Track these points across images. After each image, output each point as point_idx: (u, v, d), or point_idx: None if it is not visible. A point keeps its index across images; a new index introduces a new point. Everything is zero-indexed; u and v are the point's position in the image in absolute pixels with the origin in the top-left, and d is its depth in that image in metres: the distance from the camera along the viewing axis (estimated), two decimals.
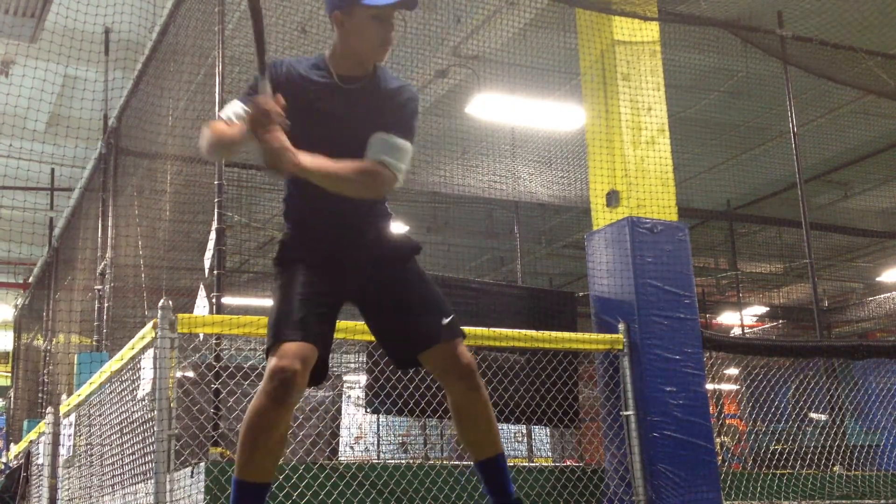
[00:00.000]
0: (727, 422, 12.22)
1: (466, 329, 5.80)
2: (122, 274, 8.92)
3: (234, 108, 3.01)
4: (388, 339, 3.27)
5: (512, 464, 9.17)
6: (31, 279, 15.19)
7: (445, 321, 3.15)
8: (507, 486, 3.21)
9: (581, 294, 9.02)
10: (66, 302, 11.16)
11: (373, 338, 3.45)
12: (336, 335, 5.29)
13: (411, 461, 8.85)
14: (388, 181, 3.01)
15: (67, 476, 7.44)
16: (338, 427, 7.44)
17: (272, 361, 2.87)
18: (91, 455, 6.97)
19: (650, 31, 7.39)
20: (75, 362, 7.84)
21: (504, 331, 6.12)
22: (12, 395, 15.20)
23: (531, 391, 6.80)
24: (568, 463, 9.22)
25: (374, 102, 3.11)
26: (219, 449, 5.39)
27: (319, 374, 3.01)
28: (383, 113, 3.09)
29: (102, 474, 6.50)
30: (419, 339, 3.15)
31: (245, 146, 3.05)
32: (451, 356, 3.13)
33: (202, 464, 5.17)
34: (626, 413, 6.39)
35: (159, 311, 4.92)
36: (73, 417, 7.22)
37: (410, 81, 3.30)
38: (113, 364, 5.97)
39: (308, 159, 2.86)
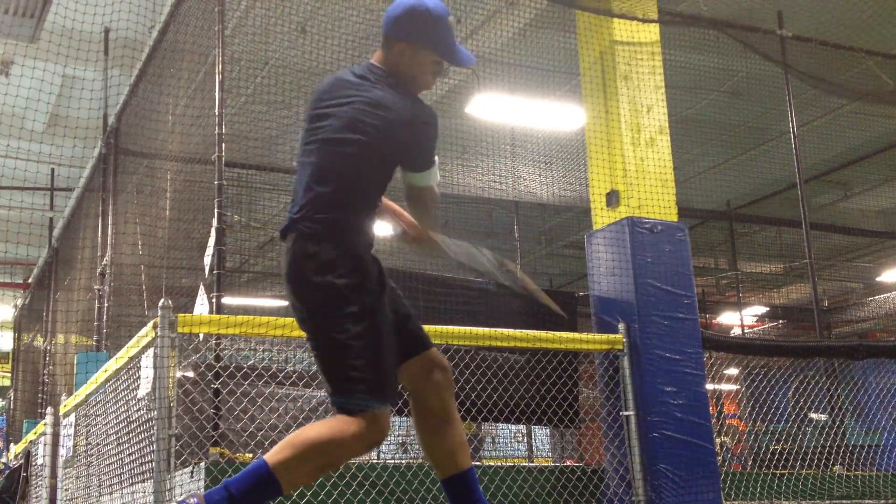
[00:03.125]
0: (727, 422, 12.22)
1: (467, 329, 5.84)
2: (121, 274, 8.92)
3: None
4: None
5: (512, 464, 9.17)
6: (31, 279, 15.20)
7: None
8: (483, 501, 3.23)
9: (581, 294, 9.01)
10: (65, 302, 11.16)
11: None
12: None
13: (411, 461, 8.85)
14: None
15: (67, 476, 7.44)
16: None
17: (378, 419, 2.86)
18: (91, 455, 6.96)
19: (650, 31, 7.38)
20: (75, 362, 7.84)
21: (504, 331, 6.11)
22: (12, 395, 15.20)
23: (531, 391, 6.80)
24: (568, 463, 9.22)
25: None
26: (219, 449, 5.39)
27: None
28: None
29: (102, 474, 6.50)
30: (419, 341, 3.22)
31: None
32: (437, 360, 3.21)
33: (202, 464, 5.17)
34: (626, 413, 6.38)
35: (159, 311, 4.92)
36: (72, 417, 7.22)
37: None
38: (113, 364, 5.96)
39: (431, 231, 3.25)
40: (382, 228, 3.32)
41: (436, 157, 3.12)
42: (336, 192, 2.99)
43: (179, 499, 2.99)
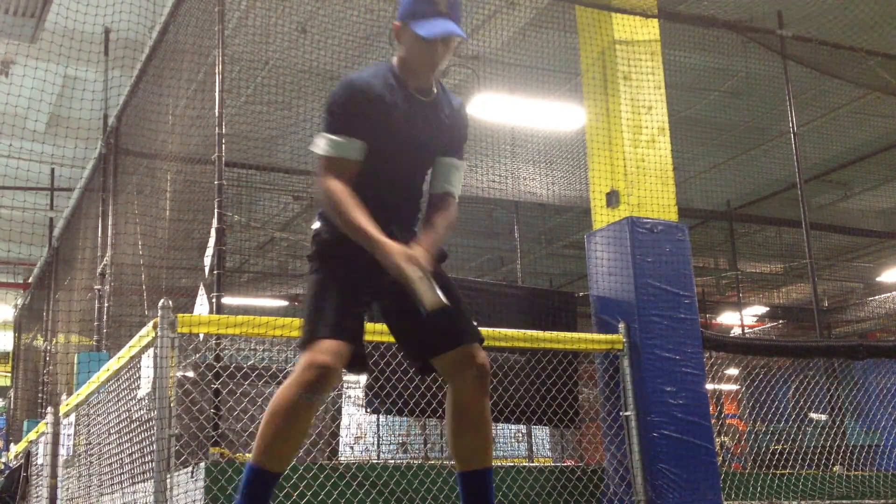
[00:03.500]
0: (727, 422, 12.22)
1: None
2: (122, 274, 8.92)
3: (351, 147, 3.05)
4: (418, 338, 3.23)
5: (512, 464, 9.17)
6: (31, 279, 15.20)
7: (474, 323, 3.22)
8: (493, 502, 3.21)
9: (581, 294, 9.01)
10: (66, 302, 11.16)
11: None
12: None
13: (411, 461, 8.84)
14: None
15: (67, 476, 7.44)
16: (338, 427, 7.44)
17: (310, 355, 2.93)
18: (91, 455, 6.97)
19: (650, 30, 7.38)
20: (75, 362, 7.84)
21: (504, 331, 6.11)
22: (12, 395, 15.21)
23: (531, 391, 6.80)
24: (568, 463, 9.22)
25: (444, 119, 3.24)
26: (219, 449, 5.39)
27: (362, 363, 3.10)
28: (450, 132, 3.26)
29: (102, 474, 6.50)
30: (451, 337, 3.15)
31: None
32: (473, 356, 3.14)
33: (202, 464, 5.17)
34: (626, 413, 6.38)
35: (159, 311, 4.92)
36: (73, 417, 7.22)
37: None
38: (113, 364, 5.97)
39: (428, 255, 3.00)
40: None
41: (331, 128, 3.04)
42: None
43: None
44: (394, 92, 3.12)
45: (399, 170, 3.17)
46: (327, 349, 2.92)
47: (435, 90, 3.24)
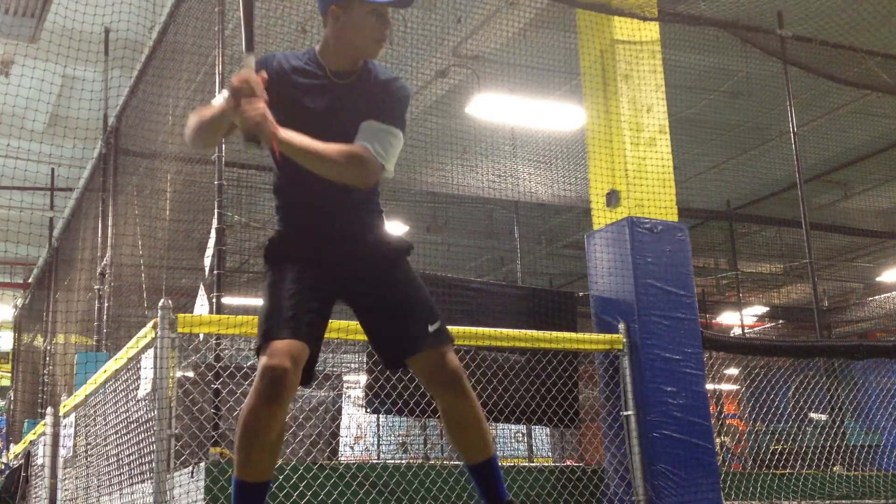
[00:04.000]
0: (727, 422, 12.22)
1: (467, 329, 5.84)
2: (121, 274, 8.92)
3: (222, 94, 2.98)
4: (377, 338, 3.23)
5: (512, 464, 9.17)
6: (31, 279, 15.19)
7: (432, 328, 3.10)
8: (501, 490, 3.19)
9: (581, 294, 9.01)
10: (65, 302, 11.16)
11: None
12: (336, 335, 5.32)
13: (411, 461, 8.84)
14: (373, 168, 2.96)
15: (67, 476, 7.44)
16: (338, 427, 7.44)
17: (263, 360, 2.87)
18: (91, 455, 6.97)
19: (650, 31, 7.38)
20: (75, 362, 7.84)
21: (504, 331, 6.11)
22: (12, 395, 15.20)
23: (531, 391, 6.80)
24: (568, 463, 9.22)
25: (365, 97, 3.08)
26: (219, 449, 5.39)
27: (308, 373, 2.99)
28: (373, 104, 3.06)
29: (102, 474, 6.50)
30: (406, 344, 3.11)
31: (233, 135, 3.01)
32: (437, 364, 3.09)
33: (202, 464, 5.17)
34: (626, 413, 6.38)
35: (159, 311, 4.92)
36: (72, 417, 7.22)
37: (408, 80, 3.25)
38: (113, 364, 5.96)
39: (288, 133, 2.84)
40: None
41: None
42: None
43: None
44: (307, 71, 3.05)
45: None
46: (278, 351, 2.85)
47: (371, 71, 3.11)
